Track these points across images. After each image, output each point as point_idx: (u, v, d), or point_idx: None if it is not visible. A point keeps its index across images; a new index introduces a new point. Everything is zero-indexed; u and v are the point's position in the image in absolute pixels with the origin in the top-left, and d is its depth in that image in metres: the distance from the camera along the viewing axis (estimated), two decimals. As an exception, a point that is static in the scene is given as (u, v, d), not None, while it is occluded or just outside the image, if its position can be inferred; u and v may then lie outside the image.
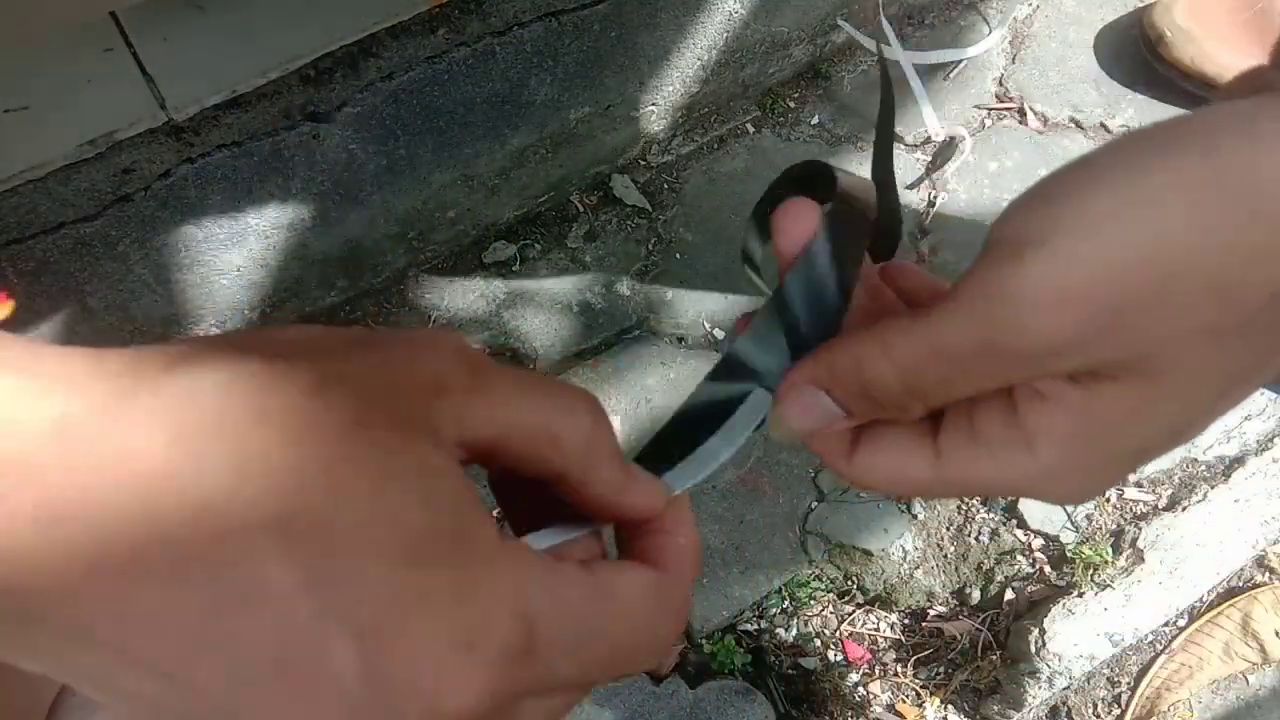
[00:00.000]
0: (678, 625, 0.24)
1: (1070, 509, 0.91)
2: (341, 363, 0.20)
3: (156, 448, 0.17)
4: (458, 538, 0.19)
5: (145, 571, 0.17)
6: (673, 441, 0.28)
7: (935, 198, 1.04)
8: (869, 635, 0.91)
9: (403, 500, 0.18)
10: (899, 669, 0.89)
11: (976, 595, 0.91)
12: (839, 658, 0.90)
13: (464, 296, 0.99)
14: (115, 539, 0.17)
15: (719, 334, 0.98)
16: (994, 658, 0.88)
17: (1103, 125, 1.10)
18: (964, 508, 0.92)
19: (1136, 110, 1.11)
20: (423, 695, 0.17)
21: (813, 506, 0.91)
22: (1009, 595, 0.89)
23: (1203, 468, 0.94)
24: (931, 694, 0.89)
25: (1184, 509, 0.90)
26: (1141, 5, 1.14)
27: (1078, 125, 1.10)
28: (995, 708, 0.87)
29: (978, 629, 0.89)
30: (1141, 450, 0.25)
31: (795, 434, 0.27)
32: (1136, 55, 1.11)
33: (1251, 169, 0.20)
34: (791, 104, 1.10)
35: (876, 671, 0.89)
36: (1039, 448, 0.24)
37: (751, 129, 1.09)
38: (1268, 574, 0.92)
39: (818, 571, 0.91)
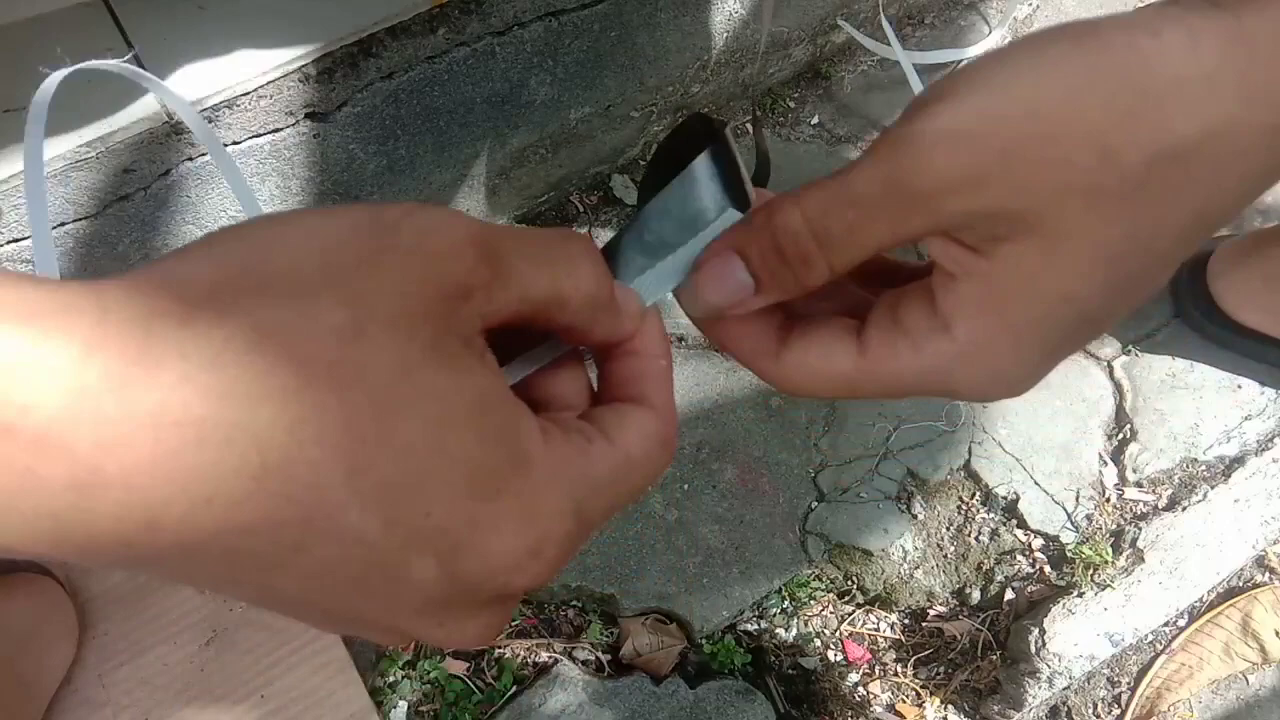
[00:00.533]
0: (673, 451, 0.27)
1: (1070, 508, 0.92)
2: (365, 288, 0.20)
3: (199, 413, 0.17)
4: (513, 462, 0.21)
5: (209, 537, 0.18)
6: (638, 245, 0.29)
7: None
8: (869, 635, 0.91)
9: (458, 440, 0.20)
10: (899, 669, 0.89)
11: (976, 595, 0.91)
12: (839, 658, 0.90)
13: (464, 296, 0.99)
14: (166, 506, 0.17)
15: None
16: (994, 658, 0.88)
17: (1103, 125, 1.10)
18: (964, 508, 0.92)
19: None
20: (497, 585, 0.21)
21: (813, 506, 0.91)
22: (1009, 595, 0.89)
23: (1203, 468, 0.94)
24: (931, 694, 0.89)
25: (1184, 509, 0.90)
26: (1141, 5, 1.13)
27: (1078, 125, 1.10)
28: (995, 708, 0.87)
29: (978, 629, 0.89)
30: (1045, 322, 0.25)
31: (707, 308, 0.28)
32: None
33: (1130, 45, 0.23)
34: (791, 104, 1.10)
35: (876, 671, 0.89)
36: (955, 327, 0.26)
37: (751, 129, 1.09)
38: (1268, 574, 0.92)
39: (818, 571, 0.91)
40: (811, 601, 0.91)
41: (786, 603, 0.90)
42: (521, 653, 0.86)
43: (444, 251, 0.21)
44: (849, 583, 0.91)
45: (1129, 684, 0.90)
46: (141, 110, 0.70)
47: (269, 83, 0.73)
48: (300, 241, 0.20)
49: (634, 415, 0.26)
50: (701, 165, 0.28)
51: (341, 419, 0.18)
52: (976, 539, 0.92)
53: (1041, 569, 0.90)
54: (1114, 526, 0.91)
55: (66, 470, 0.17)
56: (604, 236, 1.02)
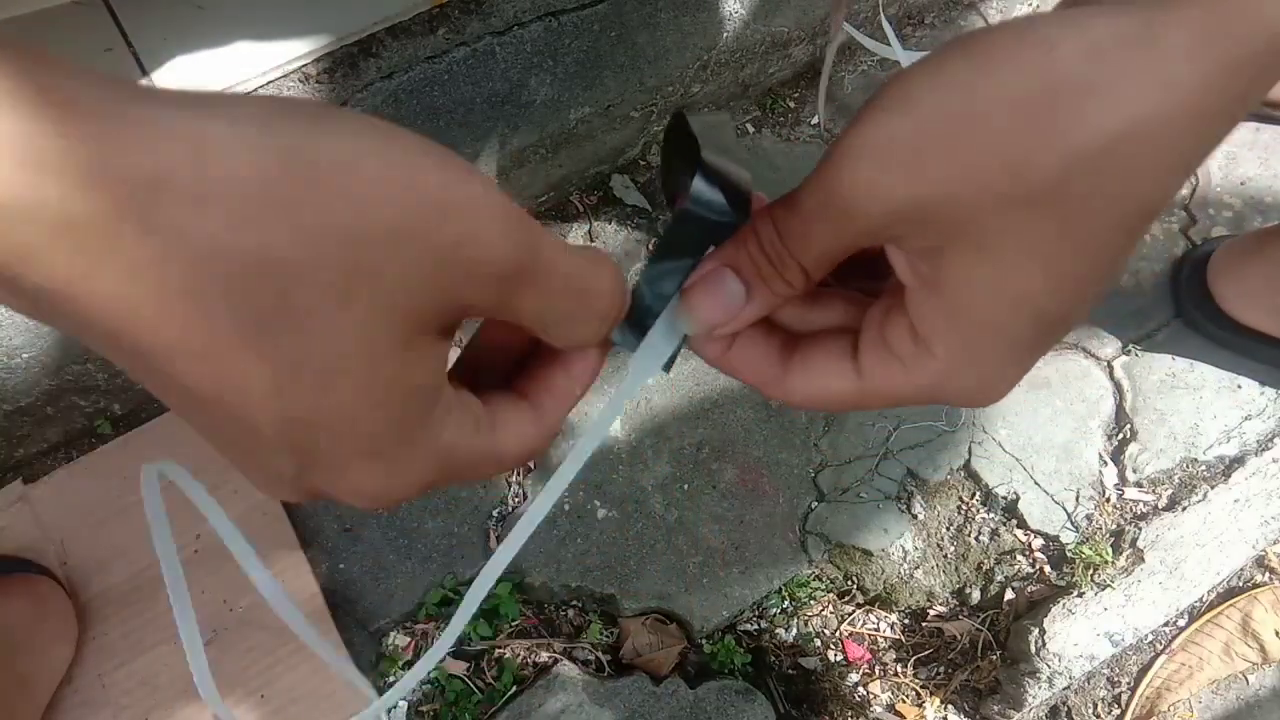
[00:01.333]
0: (536, 455, 0.30)
1: (1070, 508, 0.92)
2: (384, 267, 0.20)
3: (170, 302, 0.19)
4: (404, 440, 0.24)
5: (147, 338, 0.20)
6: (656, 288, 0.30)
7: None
8: (869, 635, 0.91)
9: (377, 420, 0.23)
10: (899, 669, 0.89)
11: (976, 595, 0.91)
12: (839, 658, 0.90)
13: (464, 296, 0.99)
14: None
15: (719, 334, 0.98)
16: (994, 658, 0.88)
17: (1103, 125, 1.10)
18: (964, 508, 0.92)
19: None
20: (336, 495, 0.25)
21: (813, 506, 0.91)
22: (1009, 595, 0.89)
23: (1203, 468, 0.94)
24: (931, 694, 0.89)
25: (1184, 509, 0.90)
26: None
27: (1078, 125, 1.10)
28: (995, 708, 0.87)
29: (978, 629, 0.89)
30: (1008, 326, 0.26)
31: (704, 324, 0.30)
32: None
33: (1031, 55, 0.23)
34: (791, 104, 1.10)
35: (876, 671, 0.89)
36: (934, 347, 0.27)
37: (751, 129, 1.09)
38: (1268, 574, 0.92)
39: (818, 571, 0.91)
40: (811, 601, 0.91)
41: (786, 603, 0.90)
42: (521, 653, 0.86)
43: (467, 269, 0.22)
44: (849, 583, 0.91)
45: (1129, 684, 0.90)
46: (141, 110, 0.70)
47: (269, 83, 0.73)
48: (352, 184, 0.20)
49: (522, 421, 0.29)
50: (694, 203, 0.29)
51: (290, 357, 0.20)
52: (976, 539, 0.92)
53: (1041, 569, 0.90)
54: (1114, 526, 0.91)
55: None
56: (604, 236, 1.02)
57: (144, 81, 0.71)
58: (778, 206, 0.28)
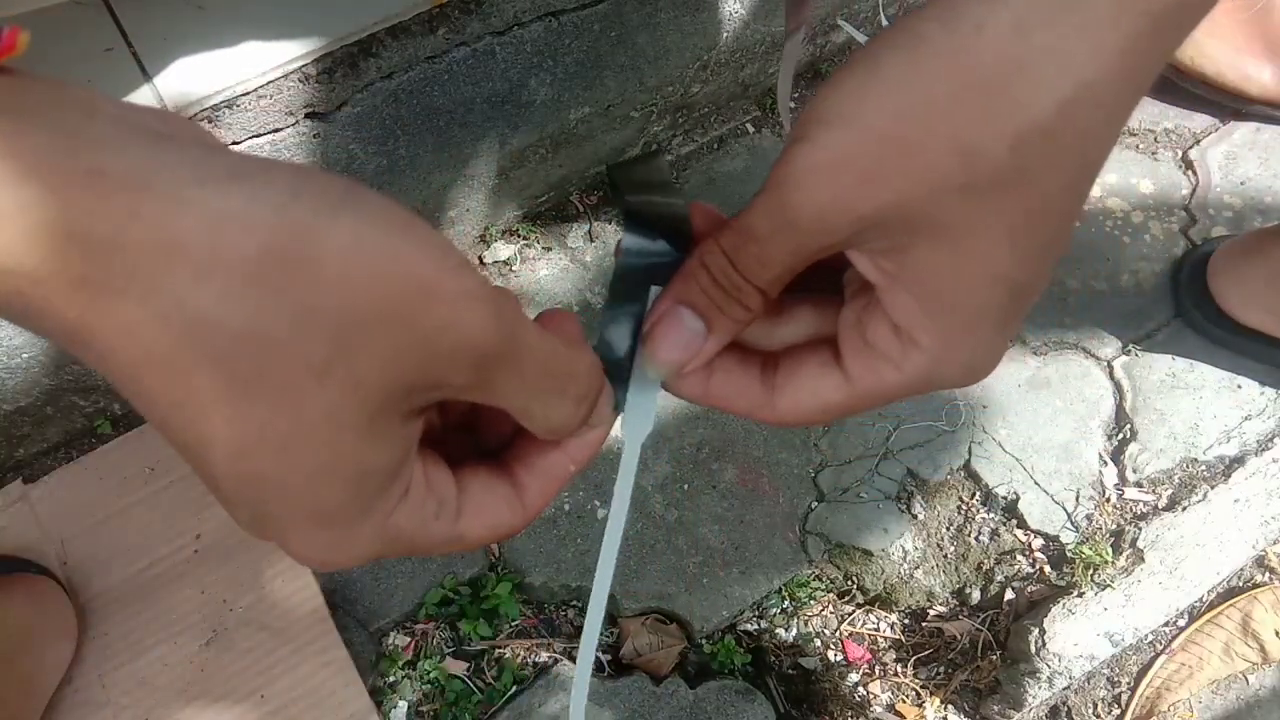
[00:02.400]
0: (503, 540, 0.30)
1: (1070, 508, 0.92)
2: (359, 343, 0.21)
3: (163, 347, 0.20)
4: (357, 517, 0.24)
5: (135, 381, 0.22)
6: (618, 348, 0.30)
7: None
8: (869, 635, 0.91)
9: (331, 493, 0.23)
10: (899, 669, 0.89)
11: (976, 595, 0.91)
12: (839, 658, 0.90)
13: (464, 296, 0.99)
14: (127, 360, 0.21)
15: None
16: (994, 658, 0.88)
17: (1103, 125, 1.10)
18: (964, 508, 0.92)
19: (1136, 110, 1.11)
20: (285, 550, 0.25)
21: (813, 506, 0.91)
22: (1009, 595, 0.89)
23: (1203, 468, 0.94)
24: (931, 694, 0.89)
25: (1184, 509, 0.90)
26: None
27: (1078, 125, 1.10)
28: (995, 708, 0.87)
29: (978, 629, 0.89)
30: (988, 306, 0.27)
31: (668, 366, 0.30)
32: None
33: (960, 43, 0.24)
34: (792, 104, 1.10)
35: (876, 671, 0.89)
36: (919, 339, 0.27)
37: (751, 129, 1.09)
38: (1268, 574, 0.92)
39: (818, 571, 0.91)
40: (811, 601, 0.91)
41: (786, 603, 0.90)
42: (521, 653, 0.86)
43: (447, 352, 0.23)
44: (849, 583, 0.91)
45: (1129, 684, 0.90)
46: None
47: (269, 83, 0.73)
48: (349, 267, 0.21)
49: (497, 505, 0.28)
50: (625, 254, 0.30)
51: (258, 421, 0.21)
52: (976, 539, 0.92)
53: (1041, 569, 0.90)
54: (1114, 526, 0.91)
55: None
56: (604, 236, 1.02)
57: (144, 82, 0.71)
58: (726, 234, 0.28)
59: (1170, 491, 0.93)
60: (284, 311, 0.20)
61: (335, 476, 0.23)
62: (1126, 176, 1.07)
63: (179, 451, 0.23)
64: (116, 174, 0.20)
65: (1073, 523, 0.91)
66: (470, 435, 0.31)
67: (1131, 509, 0.92)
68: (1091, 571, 0.87)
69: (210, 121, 0.73)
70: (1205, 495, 0.90)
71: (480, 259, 1.01)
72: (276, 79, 0.73)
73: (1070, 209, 0.26)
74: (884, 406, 0.31)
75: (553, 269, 1.00)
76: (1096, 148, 0.25)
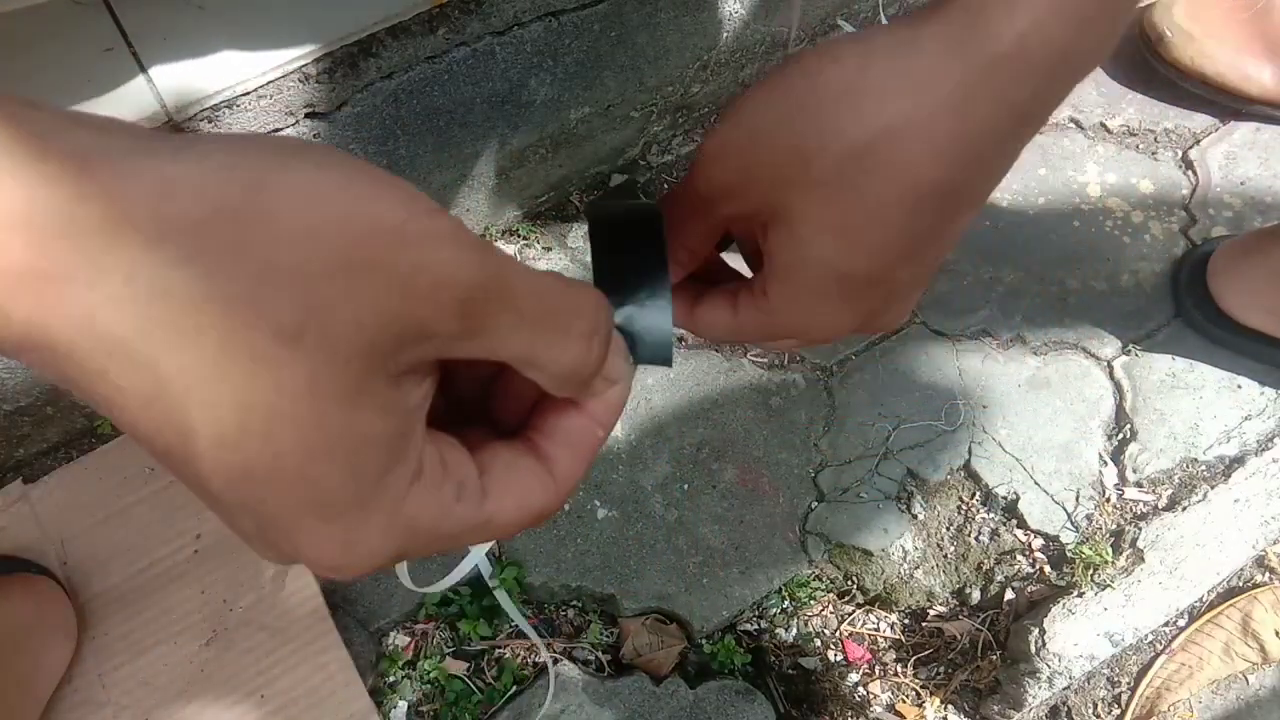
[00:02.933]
0: (541, 524, 0.28)
1: (1070, 508, 0.91)
2: (329, 302, 0.20)
3: (121, 334, 0.18)
4: (361, 501, 0.22)
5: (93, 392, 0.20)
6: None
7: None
8: (869, 635, 0.91)
9: (322, 470, 0.21)
10: (899, 669, 0.89)
11: (976, 595, 0.91)
12: (839, 658, 0.90)
13: (464, 296, 0.99)
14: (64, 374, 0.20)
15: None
16: (994, 658, 0.88)
17: (1103, 125, 1.10)
18: (964, 508, 0.92)
19: (1136, 110, 1.11)
20: (297, 559, 0.23)
21: (813, 506, 0.91)
22: (1009, 595, 0.89)
23: (1203, 468, 0.94)
24: (931, 694, 0.89)
25: (1184, 509, 0.90)
26: (1141, 5, 1.14)
27: (1078, 125, 1.10)
28: (995, 708, 0.87)
29: (978, 629, 0.89)
30: (823, 284, 0.32)
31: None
32: (1136, 55, 1.11)
33: (819, 70, 0.30)
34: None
35: (876, 671, 0.89)
36: (769, 292, 0.34)
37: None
38: (1268, 574, 0.92)
39: (818, 571, 0.91)
40: (811, 601, 0.91)
41: (786, 603, 0.90)
42: (521, 653, 0.86)
43: (427, 291, 0.21)
44: (849, 583, 0.91)
45: (1129, 684, 0.90)
46: (141, 110, 0.70)
47: (269, 83, 0.73)
48: (307, 216, 0.20)
49: (527, 480, 0.26)
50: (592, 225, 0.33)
51: (235, 402, 0.19)
52: (976, 539, 0.92)
53: (1041, 569, 0.90)
54: (1114, 526, 0.91)
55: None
56: (604, 236, 1.02)
57: (144, 82, 0.71)
58: (666, 202, 0.35)
59: (1170, 491, 0.93)
60: (243, 272, 0.19)
61: (329, 454, 0.21)
62: (1126, 176, 1.07)
63: (164, 463, 0.21)
64: (57, 156, 0.18)
65: (1073, 523, 0.91)
66: (484, 427, 0.29)
67: (1131, 509, 0.92)
68: (1091, 571, 0.87)
69: (210, 121, 0.73)
70: (1205, 495, 0.90)
71: (480, 259, 1.01)
72: (276, 79, 0.73)
73: (902, 220, 0.30)
74: (762, 336, 0.36)
75: (553, 269, 1.00)
76: (928, 169, 0.29)
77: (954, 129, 0.28)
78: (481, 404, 0.30)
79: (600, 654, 0.87)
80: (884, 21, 1.04)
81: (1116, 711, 0.89)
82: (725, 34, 0.96)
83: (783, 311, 0.34)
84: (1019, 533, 0.91)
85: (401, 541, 0.23)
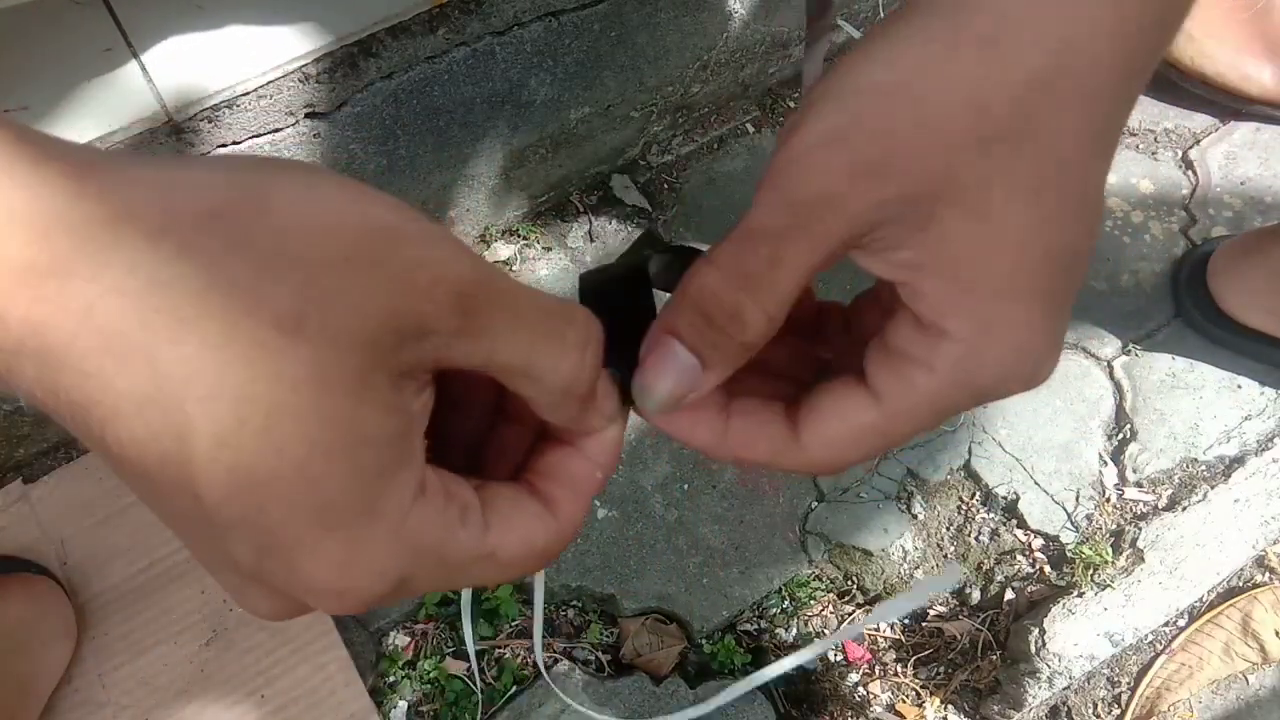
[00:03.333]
0: (547, 564, 0.26)
1: (1070, 508, 0.91)
2: (329, 292, 0.20)
3: (119, 327, 0.18)
4: (366, 510, 0.21)
5: (81, 424, 0.19)
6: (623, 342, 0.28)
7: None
8: (869, 635, 0.91)
9: (326, 469, 0.20)
10: (899, 669, 0.89)
11: (976, 595, 0.91)
12: (839, 658, 0.90)
13: (464, 296, 0.99)
14: (55, 393, 0.19)
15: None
16: (994, 658, 0.88)
17: (1103, 125, 1.10)
18: (964, 508, 0.92)
19: (1137, 110, 1.11)
20: (294, 592, 0.21)
21: (813, 506, 0.91)
22: (1009, 595, 0.89)
23: (1203, 468, 0.94)
24: (931, 694, 0.89)
25: (1184, 509, 0.90)
26: None
27: (1078, 125, 1.10)
28: (995, 708, 0.87)
29: (978, 629, 0.89)
30: (1020, 275, 0.24)
31: (664, 400, 0.27)
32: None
33: (960, 6, 0.23)
34: (791, 104, 1.10)
35: (876, 671, 0.89)
36: (947, 325, 0.24)
37: (751, 129, 1.09)
38: (1268, 574, 0.92)
39: (818, 571, 0.91)
40: (811, 601, 0.91)
41: (786, 603, 0.90)
42: (521, 653, 0.86)
43: (425, 287, 0.21)
44: (849, 583, 0.91)
45: (1129, 684, 0.90)
46: (141, 110, 0.70)
47: (269, 83, 0.73)
48: (306, 213, 0.20)
49: (528, 519, 0.25)
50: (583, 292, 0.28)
51: (235, 395, 0.19)
52: (976, 539, 0.92)
53: (1041, 569, 0.90)
54: (1114, 526, 0.91)
55: None
56: (604, 236, 1.02)
57: (144, 82, 0.71)
58: (718, 252, 0.26)
59: (1170, 491, 0.93)
60: (245, 262, 0.19)
61: (332, 450, 0.20)
62: (1126, 176, 1.07)
63: (150, 485, 0.20)
64: (58, 159, 0.18)
65: (1073, 523, 0.91)
66: (478, 474, 0.27)
67: (1131, 509, 0.92)
68: (1091, 571, 0.87)
69: (210, 121, 0.73)
70: (1205, 495, 0.90)
71: (480, 259, 1.01)
72: (276, 79, 0.73)
73: (1088, 164, 0.24)
74: (924, 429, 0.26)
75: (553, 269, 1.00)
76: (1099, 102, 0.24)
77: (1122, 51, 0.23)
78: (472, 462, 0.29)
79: (600, 654, 0.87)
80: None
81: (1116, 711, 0.89)
82: (725, 34, 0.96)
83: (984, 342, 0.25)
84: (1019, 533, 0.91)
85: (405, 561, 0.22)
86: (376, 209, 0.21)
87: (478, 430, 0.29)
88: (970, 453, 0.93)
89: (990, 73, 0.23)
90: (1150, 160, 1.09)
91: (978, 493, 0.93)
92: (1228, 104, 1.08)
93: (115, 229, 0.18)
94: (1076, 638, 0.83)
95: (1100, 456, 0.94)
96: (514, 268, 1.00)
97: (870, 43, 0.24)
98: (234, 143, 0.75)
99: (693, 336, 0.26)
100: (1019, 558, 0.91)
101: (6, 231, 0.18)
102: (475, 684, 0.84)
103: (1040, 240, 0.24)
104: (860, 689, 0.88)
